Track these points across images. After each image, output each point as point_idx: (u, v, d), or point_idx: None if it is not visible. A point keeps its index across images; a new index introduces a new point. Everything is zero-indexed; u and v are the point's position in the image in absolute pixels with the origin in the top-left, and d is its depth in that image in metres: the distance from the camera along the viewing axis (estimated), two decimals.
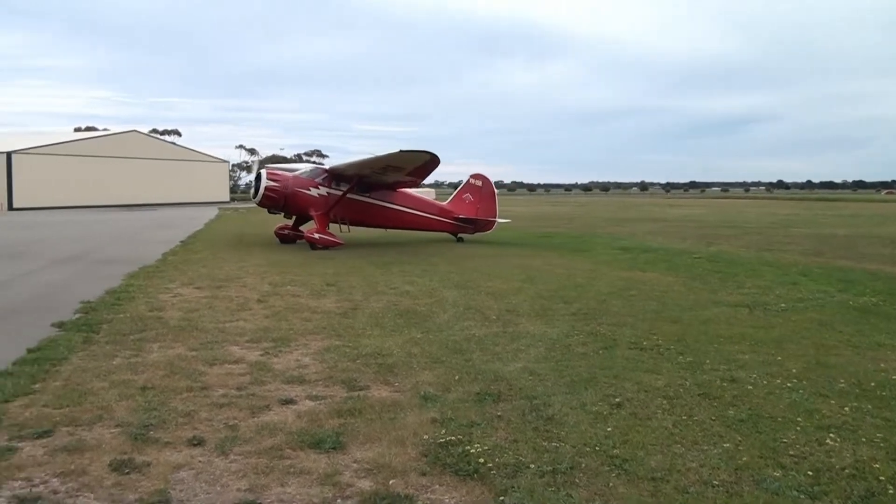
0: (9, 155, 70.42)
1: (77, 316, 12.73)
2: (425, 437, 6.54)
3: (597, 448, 6.28)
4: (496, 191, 33.62)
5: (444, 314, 12.83)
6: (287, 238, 29.93)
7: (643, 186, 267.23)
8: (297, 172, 29.50)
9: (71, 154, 76.16)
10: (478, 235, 32.10)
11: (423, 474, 5.77)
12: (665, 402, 7.69)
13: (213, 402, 7.75)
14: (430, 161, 25.33)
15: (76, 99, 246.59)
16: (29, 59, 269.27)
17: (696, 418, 7.17)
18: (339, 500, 5.36)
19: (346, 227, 28.61)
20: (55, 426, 7.00)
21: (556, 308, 13.53)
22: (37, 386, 8.34)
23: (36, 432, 6.82)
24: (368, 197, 29.22)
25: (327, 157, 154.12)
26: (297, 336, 11.13)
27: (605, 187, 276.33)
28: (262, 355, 9.94)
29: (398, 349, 10.10)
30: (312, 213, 28.11)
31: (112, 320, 12.27)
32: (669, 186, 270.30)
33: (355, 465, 6.01)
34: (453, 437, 6.46)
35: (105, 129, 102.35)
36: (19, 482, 5.76)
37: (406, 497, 5.38)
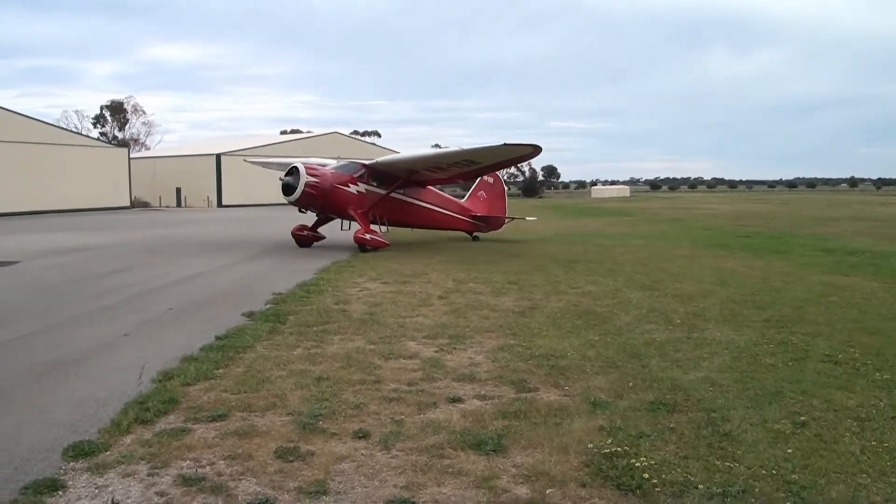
0: (218, 156, 75.74)
1: (267, 306, 13.38)
2: (590, 445, 6.26)
3: (773, 471, 5.73)
4: (506, 189, 33.01)
5: (626, 316, 12.40)
6: (305, 240, 27.20)
7: (853, 182, 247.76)
8: (329, 167, 27.12)
9: (275, 155, 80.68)
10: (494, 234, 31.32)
11: (583, 485, 5.50)
12: (855, 423, 6.94)
13: (383, 396, 7.84)
14: (530, 154, 24.19)
15: (281, 104, 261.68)
16: (240, 68, 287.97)
17: (886, 444, 6.40)
18: None
19: (383, 226, 26.91)
20: (230, 411, 7.33)
21: (747, 314, 12.74)
22: (219, 371, 8.82)
23: (211, 415, 7.18)
24: (403, 194, 27.43)
25: None
26: (473, 334, 11.10)
27: (811, 183, 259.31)
28: (436, 352, 9.99)
29: (573, 351, 9.82)
30: (352, 212, 25.93)
31: (299, 312, 12.78)
32: (881, 182, 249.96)
33: (514, 469, 5.84)
34: (619, 448, 6.12)
35: (308, 132, 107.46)
36: (187, 462, 6.07)
37: None
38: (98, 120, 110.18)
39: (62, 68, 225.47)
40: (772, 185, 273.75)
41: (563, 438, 6.45)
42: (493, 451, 6.21)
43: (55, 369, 9.24)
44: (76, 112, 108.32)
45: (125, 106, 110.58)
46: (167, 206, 75.36)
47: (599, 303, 13.81)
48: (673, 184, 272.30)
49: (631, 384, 8.17)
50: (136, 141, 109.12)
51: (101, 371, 9.10)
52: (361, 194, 26.08)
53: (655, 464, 5.81)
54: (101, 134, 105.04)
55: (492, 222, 31.33)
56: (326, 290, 15.54)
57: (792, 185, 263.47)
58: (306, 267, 19.97)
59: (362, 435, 6.65)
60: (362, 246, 24.93)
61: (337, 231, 27.44)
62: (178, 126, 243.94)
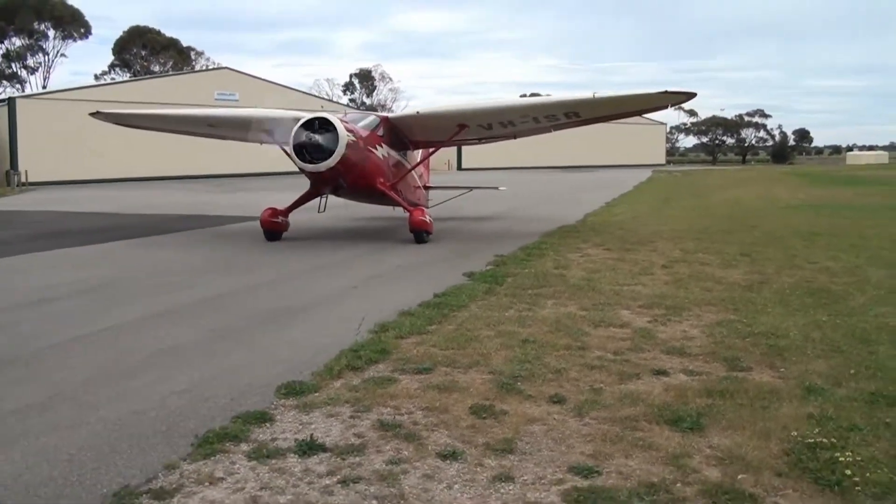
0: None
1: (488, 267, 13.72)
2: (794, 433, 5.85)
3: None
4: None
5: (862, 296, 11.40)
6: (279, 229, 18.51)
7: None
8: (340, 118, 17.52)
9: None
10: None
11: (779, 475, 5.17)
12: None
13: (585, 363, 7.79)
14: (662, 106, 19.62)
15: (525, 68, 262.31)
16: (485, 33, 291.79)
17: None
18: (677, 485, 5.06)
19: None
20: (435, 365, 7.67)
21: None
22: (432, 327, 9.22)
23: (417, 368, 7.56)
24: (404, 158, 20.37)
25: (770, 116, 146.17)
26: (691, 306, 10.71)
27: None
28: (649, 322, 9.76)
29: (796, 331, 9.18)
30: (381, 187, 18.27)
31: (517, 274, 12.98)
32: None
33: (708, 450, 5.62)
34: (825, 440, 5.66)
35: (548, 95, 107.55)
36: (388, 409, 6.45)
37: (749, 496, 4.86)
38: (347, 87, 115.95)
39: (316, 39, 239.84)
40: None
41: (766, 423, 6.09)
42: (690, 428, 6.00)
43: (284, 315, 10.10)
44: (327, 80, 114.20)
45: (373, 73, 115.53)
46: None
47: (836, 280, 12.81)
48: None
49: (852, 371, 7.53)
50: (383, 107, 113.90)
51: (324, 319, 9.80)
52: (386, 160, 18.93)
53: (861, 460, 5.32)
54: (351, 101, 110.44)
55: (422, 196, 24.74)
56: (548, 253, 15.63)
57: None
58: (532, 230, 20.20)
59: (558, 400, 6.67)
60: (420, 234, 17.70)
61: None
62: (424, 92, 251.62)
